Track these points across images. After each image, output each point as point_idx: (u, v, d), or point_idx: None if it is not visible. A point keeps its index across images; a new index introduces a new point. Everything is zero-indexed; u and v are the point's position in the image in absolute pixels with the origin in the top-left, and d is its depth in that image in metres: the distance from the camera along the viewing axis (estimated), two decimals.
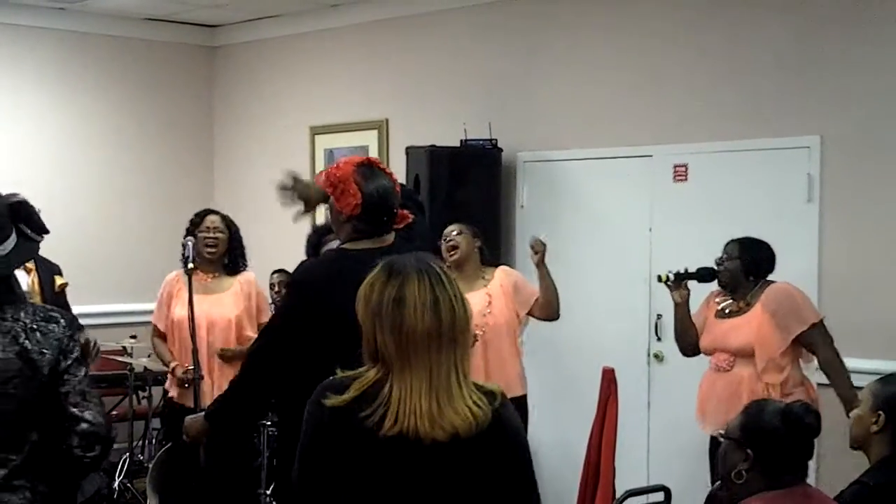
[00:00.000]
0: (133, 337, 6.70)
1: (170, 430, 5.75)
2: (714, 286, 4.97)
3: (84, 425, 2.71)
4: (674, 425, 5.80)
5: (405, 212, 3.62)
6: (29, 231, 2.83)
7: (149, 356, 6.37)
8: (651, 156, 6.10)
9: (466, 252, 5.30)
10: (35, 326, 2.72)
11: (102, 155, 7.99)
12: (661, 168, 6.05)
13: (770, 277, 4.85)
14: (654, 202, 6.09)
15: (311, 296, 3.42)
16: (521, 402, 5.18)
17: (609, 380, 4.96)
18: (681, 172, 5.98)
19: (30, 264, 5.09)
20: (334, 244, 3.90)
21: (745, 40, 5.74)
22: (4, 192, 2.85)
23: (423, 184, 6.23)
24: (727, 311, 4.86)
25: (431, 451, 2.28)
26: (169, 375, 5.52)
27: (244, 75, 8.36)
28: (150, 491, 5.59)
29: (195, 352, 5.09)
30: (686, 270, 4.92)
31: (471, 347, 2.44)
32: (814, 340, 4.70)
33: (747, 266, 4.81)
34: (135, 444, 6.79)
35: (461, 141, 6.52)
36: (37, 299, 5.03)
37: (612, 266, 6.23)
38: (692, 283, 4.96)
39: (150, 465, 5.84)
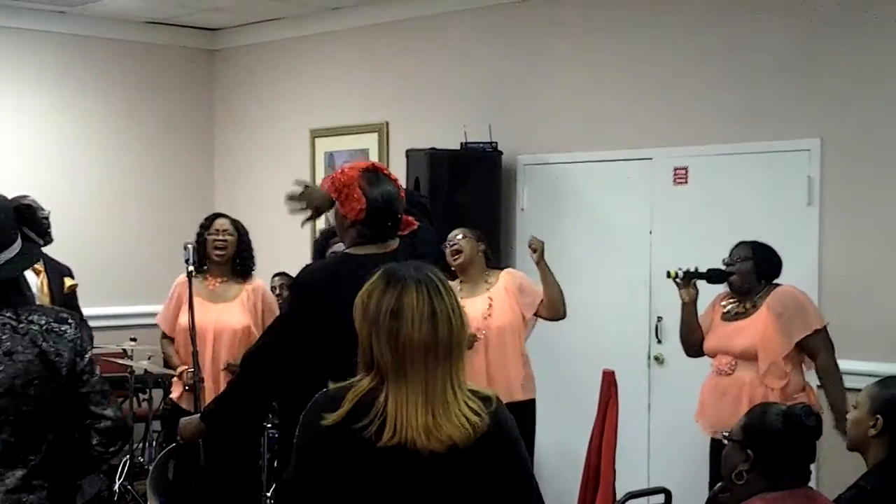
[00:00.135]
0: (133, 339, 6.66)
1: (171, 433, 5.75)
2: (720, 288, 4.94)
3: (107, 423, 2.82)
4: (674, 428, 5.81)
5: (410, 218, 3.62)
6: (32, 234, 2.85)
7: (149, 358, 6.36)
8: (651, 159, 6.11)
9: (470, 256, 5.33)
10: (49, 328, 2.74)
11: (103, 158, 7.98)
12: (662, 171, 6.06)
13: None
14: (654, 205, 6.10)
15: (314, 298, 3.41)
16: (525, 407, 5.17)
17: (609, 382, 4.95)
18: (681, 175, 5.99)
19: (39, 266, 5.07)
20: (340, 247, 3.90)
21: (745, 43, 5.75)
22: (12, 195, 2.86)
23: (423, 187, 6.22)
24: (733, 313, 4.84)
25: (430, 461, 2.27)
26: (175, 379, 5.51)
27: (244, 78, 8.36)
28: (151, 493, 5.59)
29: (195, 354, 5.09)
30: (696, 269, 4.86)
31: (469, 349, 2.43)
32: (815, 346, 4.68)
33: (760, 268, 4.78)
34: (135, 446, 6.78)
35: (461, 144, 6.52)
36: (46, 301, 5.02)
37: (612, 268, 6.24)
38: (700, 284, 4.89)
39: (151, 468, 5.84)
